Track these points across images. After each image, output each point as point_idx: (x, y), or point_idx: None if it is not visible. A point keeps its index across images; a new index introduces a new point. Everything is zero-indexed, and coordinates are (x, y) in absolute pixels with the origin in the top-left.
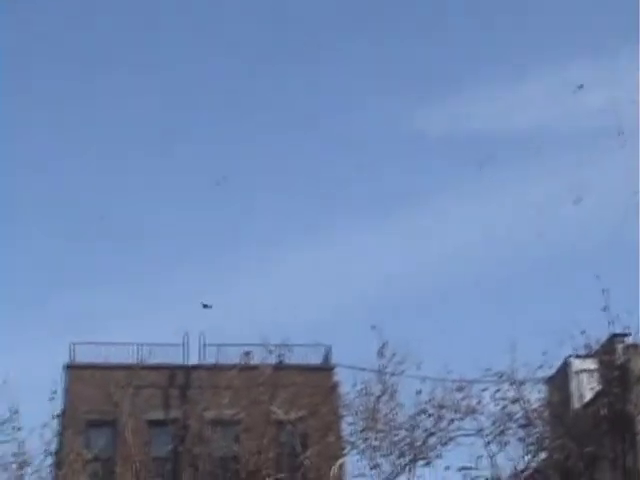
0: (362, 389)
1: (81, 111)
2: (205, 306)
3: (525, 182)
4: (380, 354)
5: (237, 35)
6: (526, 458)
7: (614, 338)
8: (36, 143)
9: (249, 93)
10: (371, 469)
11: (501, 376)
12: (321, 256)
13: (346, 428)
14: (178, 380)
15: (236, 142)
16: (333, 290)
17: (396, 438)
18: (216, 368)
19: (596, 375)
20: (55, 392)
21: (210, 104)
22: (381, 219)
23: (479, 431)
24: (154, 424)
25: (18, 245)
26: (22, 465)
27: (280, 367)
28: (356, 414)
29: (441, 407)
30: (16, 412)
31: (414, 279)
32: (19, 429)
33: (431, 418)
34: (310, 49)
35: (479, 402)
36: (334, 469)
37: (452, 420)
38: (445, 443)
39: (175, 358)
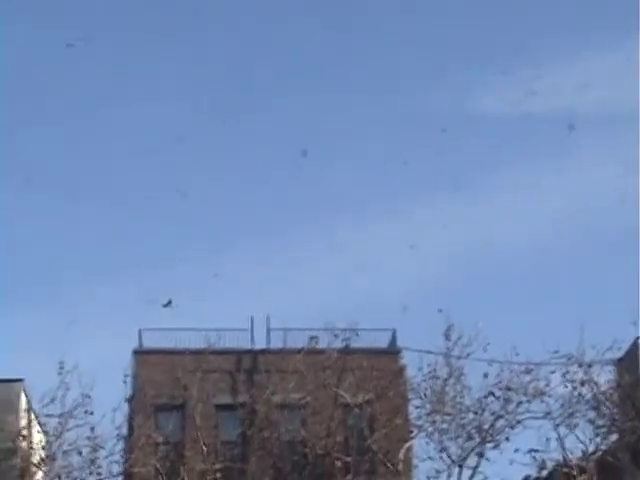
0: (429, 372)
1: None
2: (167, 304)
3: (601, 158)
4: (447, 337)
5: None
6: (596, 440)
7: None
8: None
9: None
10: (439, 452)
11: (570, 358)
12: (388, 235)
13: (413, 411)
14: (245, 364)
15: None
16: (399, 272)
17: (463, 421)
18: (283, 352)
19: None
20: (126, 377)
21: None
22: (451, 194)
23: (547, 414)
24: (222, 408)
25: (85, 227)
26: (95, 449)
27: (346, 351)
28: (423, 397)
29: (508, 390)
30: (88, 397)
31: (481, 259)
32: (91, 413)
33: (499, 401)
34: (381, 27)
35: (547, 384)
36: (402, 452)
37: (520, 403)
38: (513, 426)
39: (242, 343)
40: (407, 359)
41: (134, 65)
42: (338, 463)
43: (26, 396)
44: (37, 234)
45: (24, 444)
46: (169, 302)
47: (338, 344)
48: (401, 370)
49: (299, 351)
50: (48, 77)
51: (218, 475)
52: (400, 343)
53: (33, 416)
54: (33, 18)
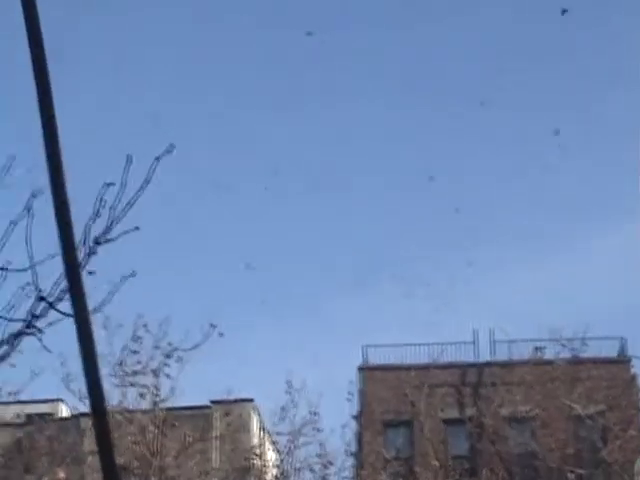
0: None
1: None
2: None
3: None
4: None
5: None
6: None
7: None
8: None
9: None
10: None
11: None
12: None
13: None
14: (470, 378)
15: None
16: (628, 279)
17: None
18: (508, 364)
19: None
20: (351, 394)
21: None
22: None
23: None
24: (450, 423)
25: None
26: (325, 465)
27: (575, 361)
28: None
29: None
30: (316, 414)
31: None
32: (320, 430)
33: None
34: None
35: None
36: (638, 464)
37: None
38: None
39: (466, 356)
40: (638, 368)
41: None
42: (571, 476)
43: (258, 415)
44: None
45: (258, 462)
46: None
47: (566, 354)
48: (632, 379)
49: (525, 362)
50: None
51: None
52: (630, 352)
53: (265, 435)
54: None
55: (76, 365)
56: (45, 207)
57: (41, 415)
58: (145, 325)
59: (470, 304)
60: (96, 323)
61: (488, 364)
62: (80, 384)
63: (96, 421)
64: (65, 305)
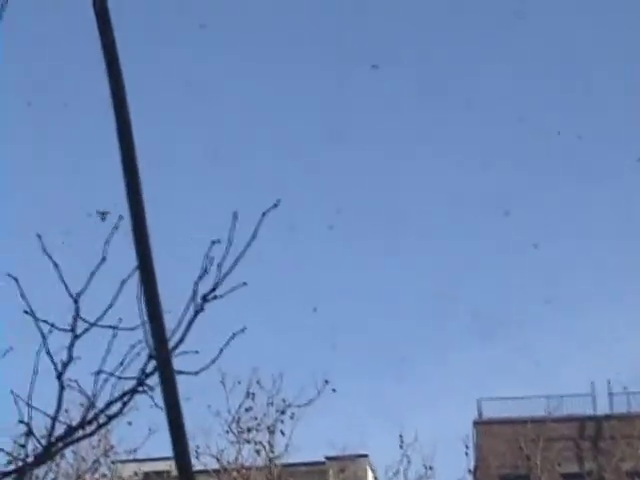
0: None
1: None
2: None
3: None
4: None
5: None
6: None
7: None
8: None
9: None
10: None
11: None
12: None
13: None
14: (589, 431)
15: None
16: None
17: None
18: (627, 417)
19: None
20: (467, 447)
21: None
22: None
23: None
24: (568, 477)
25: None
26: None
27: None
28: None
29: None
30: (430, 468)
31: None
32: None
33: None
34: None
35: None
36: None
37: None
38: None
39: (584, 408)
40: None
41: None
42: None
43: (372, 471)
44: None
45: None
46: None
47: None
48: None
49: None
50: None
51: None
52: None
53: None
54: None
55: (192, 423)
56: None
57: (158, 473)
58: (259, 381)
59: (585, 354)
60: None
61: (607, 417)
62: (196, 441)
63: None
64: (175, 362)
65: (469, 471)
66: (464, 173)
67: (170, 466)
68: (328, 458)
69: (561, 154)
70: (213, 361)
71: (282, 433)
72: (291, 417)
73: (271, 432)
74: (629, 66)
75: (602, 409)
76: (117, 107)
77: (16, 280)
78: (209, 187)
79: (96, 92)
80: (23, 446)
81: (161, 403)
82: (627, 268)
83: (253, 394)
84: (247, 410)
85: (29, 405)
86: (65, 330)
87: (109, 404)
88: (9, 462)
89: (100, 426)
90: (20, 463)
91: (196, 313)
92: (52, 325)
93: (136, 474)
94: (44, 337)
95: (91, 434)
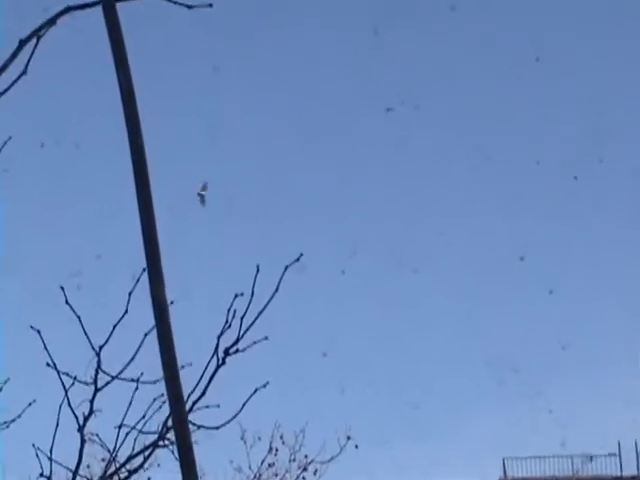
0: None
1: None
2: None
3: None
4: None
5: None
6: None
7: None
8: None
9: None
10: None
11: None
12: None
13: None
14: None
15: None
16: None
17: None
18: None
19: None
20: None
21: None
22: None
23: None
24: None
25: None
26: None
27: None
28: None
29: None
30: None
31: None
32: None
33: None
34: None
35: None
36: None
37: None
38: None
39: (611, 468)
40: None
41: None
42: None
43: None
44: None
45: None
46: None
47: None
48: None
49: None
50: None
51: None
52: None
53: None
54: None
55: (213, 478)
56: (177, 318)
57: None
58: (281, 436)
59: (614, 413)
60: (233, 434)
61: (633, 478)
62: None
63: None
64: (196, 416)
65: None
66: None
67: None
68: None
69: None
70: (235, 416)
71: None
72: (314, 474)
73: None
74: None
75: (629, 469)
76: (134, 155)
77: (39, 332)
78: (232, 239)
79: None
80: None
81: None
82: None
83: (276, 450)
84: (270, 466)
85: (50, 459)
86: (87, 383)
87: (130, 458)
88: None
89: None
90: None
91: (218, 367)
92: (74, 378)
93: None
94: (66, 390)
95: None
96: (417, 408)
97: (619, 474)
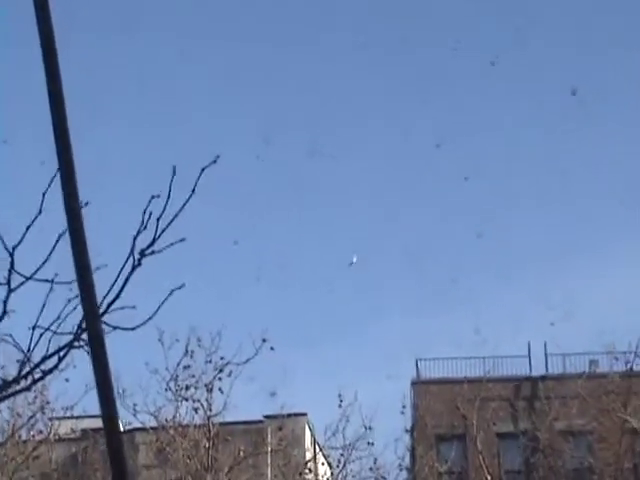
0: None
1: None
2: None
3: None
4: None
5: None
6: None
7: None
8: None
9: None
10: None
11: None
12: None
13: None
14: (524, 391)
15: None
16: None
17: None
18: (562, 378)
19: None
20: (404, 407)
21: None
22: None
23: None
24: (503, 436)
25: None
26: (378, 479)
27: (629, 374)
28: None
29: None
30: (369, 428)
31: None
32: (373, 444)
33: None
34: None
35: None
36: None
37: None
38: None
39: (520, 370)
40: None
41: None
42: None
43: (310, 430)
44: None
45: (310, 476)
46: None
47: (620, 367)
48: None
49: (579, 376)
50: None
51: None
52: None
53: (317, 449)
54: None
55: (129, 380)
56: (92, 219)
57: (96, 430)
58: (198, 339)
59: (524, 317)
60: (150, 336)
61: (542, 378)
62: (134, 399)
63: (110, 441)
64: (112, 317)
65: (406, 430)
66: None
67: None
68: (266, 417)
69: None
70: (150, 317)
71: (220, 391)
72: (229, 375)
73: (209, 390)
74: None
75: (538, 370)
76: (46, 55)
77: None
78: (149, 142)
79: None
80: None
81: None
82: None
83: (192, 352)
84: (185, 368)
85: None
86: (0, 283)
87: (44, 359)
88: None
89: (35, 381)
90: None
91: (133, 268)
92: None
93: (73, 431)
94: None
95: (26, 389)
96: (333, 308)
97: (528, 374)
